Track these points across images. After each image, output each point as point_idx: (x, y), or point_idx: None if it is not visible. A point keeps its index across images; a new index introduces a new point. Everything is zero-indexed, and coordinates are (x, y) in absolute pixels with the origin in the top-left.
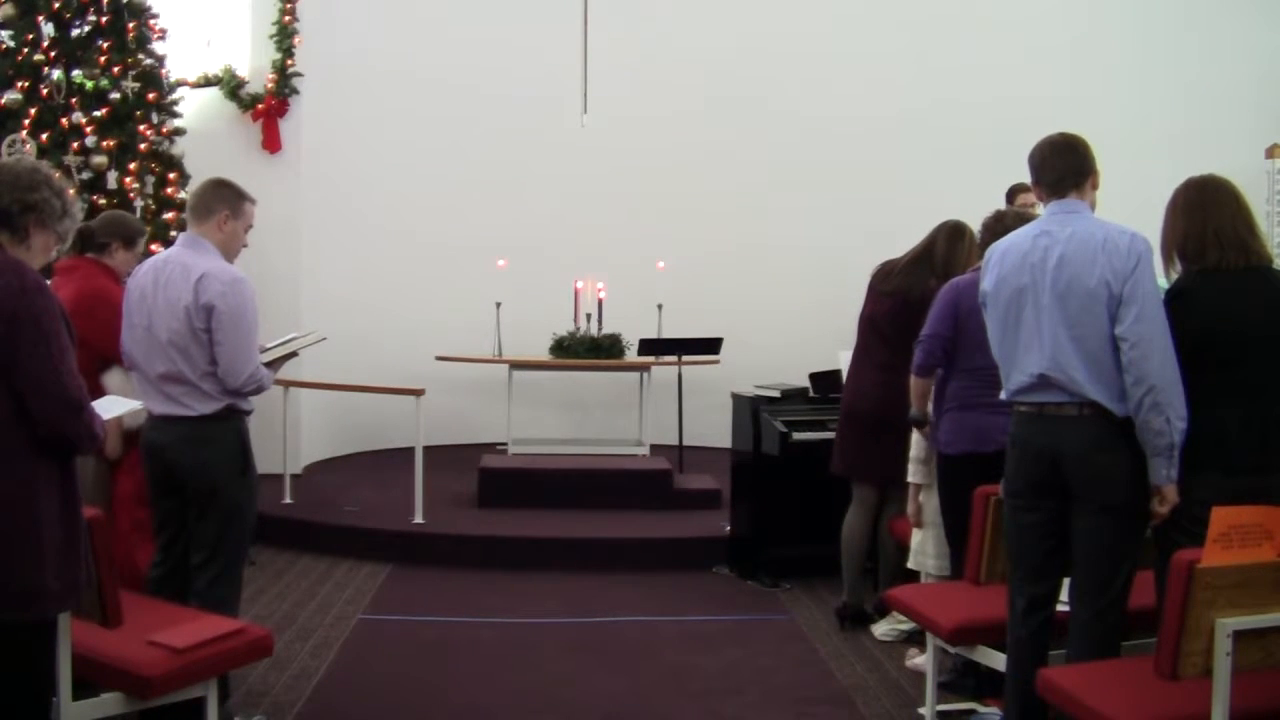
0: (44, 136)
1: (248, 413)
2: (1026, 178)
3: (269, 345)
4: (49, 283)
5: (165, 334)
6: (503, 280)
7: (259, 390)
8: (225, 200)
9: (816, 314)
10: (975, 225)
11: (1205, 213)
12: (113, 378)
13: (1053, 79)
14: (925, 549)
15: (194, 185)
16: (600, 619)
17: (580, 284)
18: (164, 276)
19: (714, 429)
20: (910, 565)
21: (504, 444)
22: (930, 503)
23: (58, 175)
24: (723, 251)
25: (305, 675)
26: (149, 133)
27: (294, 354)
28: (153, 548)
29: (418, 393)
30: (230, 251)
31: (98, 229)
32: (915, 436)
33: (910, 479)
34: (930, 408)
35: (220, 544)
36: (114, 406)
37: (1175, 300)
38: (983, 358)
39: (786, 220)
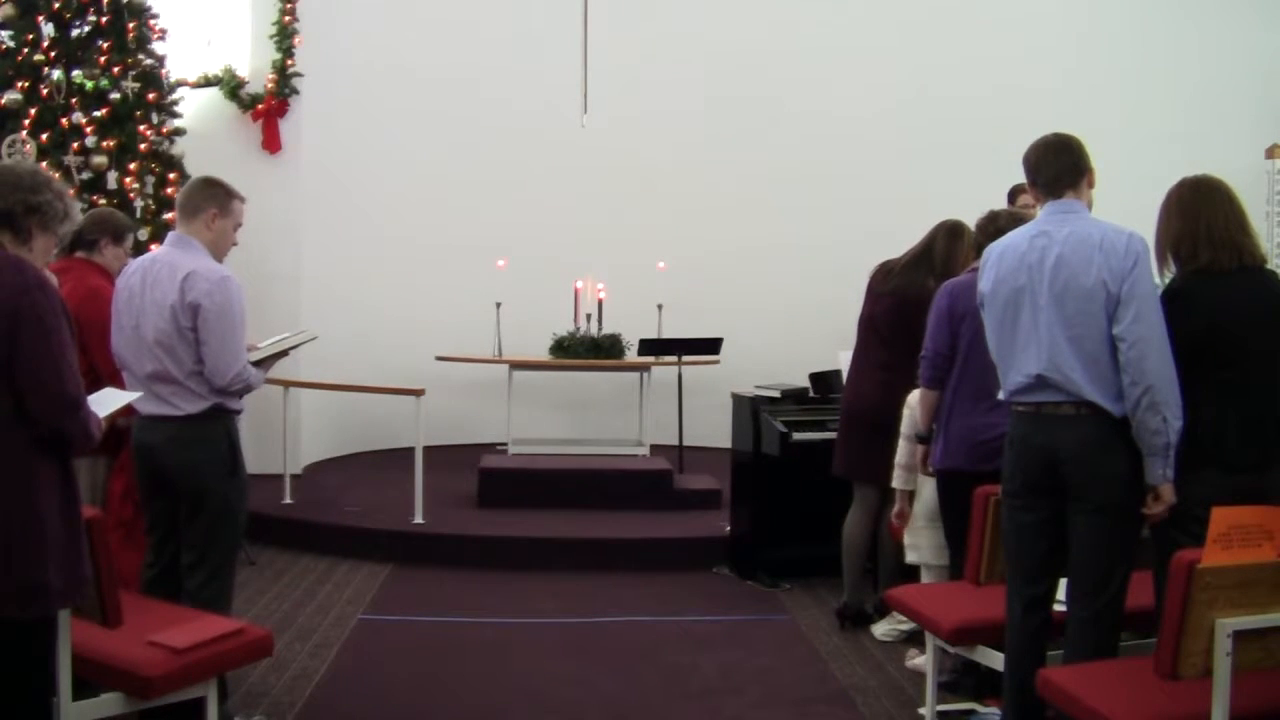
0: (44, 136)
1: (237, 412)
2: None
3: (260, 345)
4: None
5: (152, 333)
6: (503, 280)
7: (247, 390)
8: (214, 198)
9: (816, 314)
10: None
11: (1198, 213)
12: None
13: (1053, 79)
14: (919, 544)
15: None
16: (600, 619)
17: (580, 284)
18: (151, 276)
19: (714, 429)
20: (908, 560)
21: (504, 444)
22: (920, 505)
23: (58, 178)
24: (723, 251)
25: (305, 675)
26: (149, 133)
27: (285, 354)
28: (136, 549)
29: (418, 393)
30: (220, 250)
31: (85, 227)
32: (901, 443)
33: (895, 484)
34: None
35: (211, 545)
36: (110, 401)
37: (1172, 301)
38: (977, 364)
39: (787, 220)
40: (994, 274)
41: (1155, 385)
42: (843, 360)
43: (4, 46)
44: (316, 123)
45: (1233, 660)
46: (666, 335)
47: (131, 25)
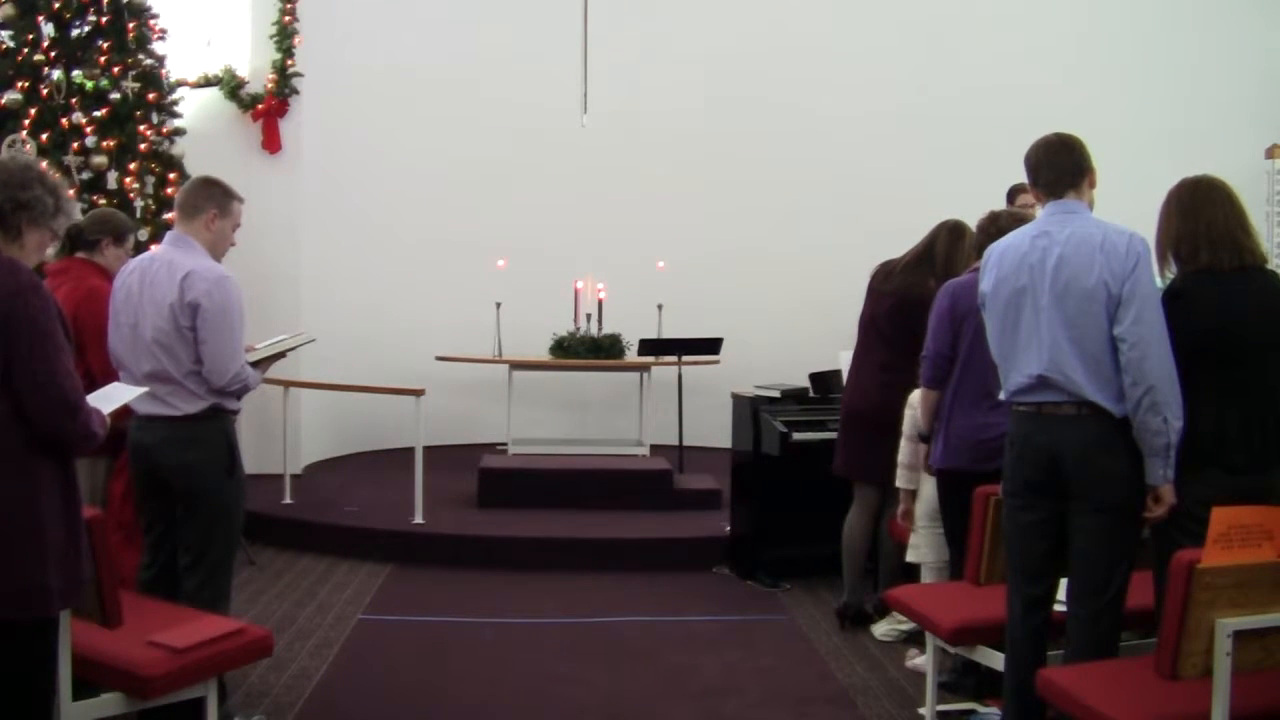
0: (44, 136)
1: (234, 412)
2: (1025, 178)
3: (258, 345)
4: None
5: (151, 332)
6: (503, 280)
7: (245, 390)
8: (213, 199)
9: (816, 314)
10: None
11: (1198, 213)
12: None
13: (1053, 78)
14: (919, 544)
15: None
16: (600, 619)
17: (580, 284)
18: (150, 275)
19: (714, 429)
20: (909, 559)
21: (504, 444)
22: (920, 504)
23: (55, 175)
24: (723, 251)
25: (305, 675)
26: (149, 133)
27: (283, 355)
28: (137, 550)
29: (418, 393)
30: (218, 251)
31: (86, 227)
32: (904, 443)
33: (899, 484)
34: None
35: (208, 545)
36: (115, 397)
37: (1173, 301)
38: (979, 364)
39: (787, 220)
40: (995, 274)
41: (1156, 386)
42: (843, 360)
43: (4, 46)
44: (316, 123)
45: (1233, 660)
46: (666, 335)
47: (131, 25)
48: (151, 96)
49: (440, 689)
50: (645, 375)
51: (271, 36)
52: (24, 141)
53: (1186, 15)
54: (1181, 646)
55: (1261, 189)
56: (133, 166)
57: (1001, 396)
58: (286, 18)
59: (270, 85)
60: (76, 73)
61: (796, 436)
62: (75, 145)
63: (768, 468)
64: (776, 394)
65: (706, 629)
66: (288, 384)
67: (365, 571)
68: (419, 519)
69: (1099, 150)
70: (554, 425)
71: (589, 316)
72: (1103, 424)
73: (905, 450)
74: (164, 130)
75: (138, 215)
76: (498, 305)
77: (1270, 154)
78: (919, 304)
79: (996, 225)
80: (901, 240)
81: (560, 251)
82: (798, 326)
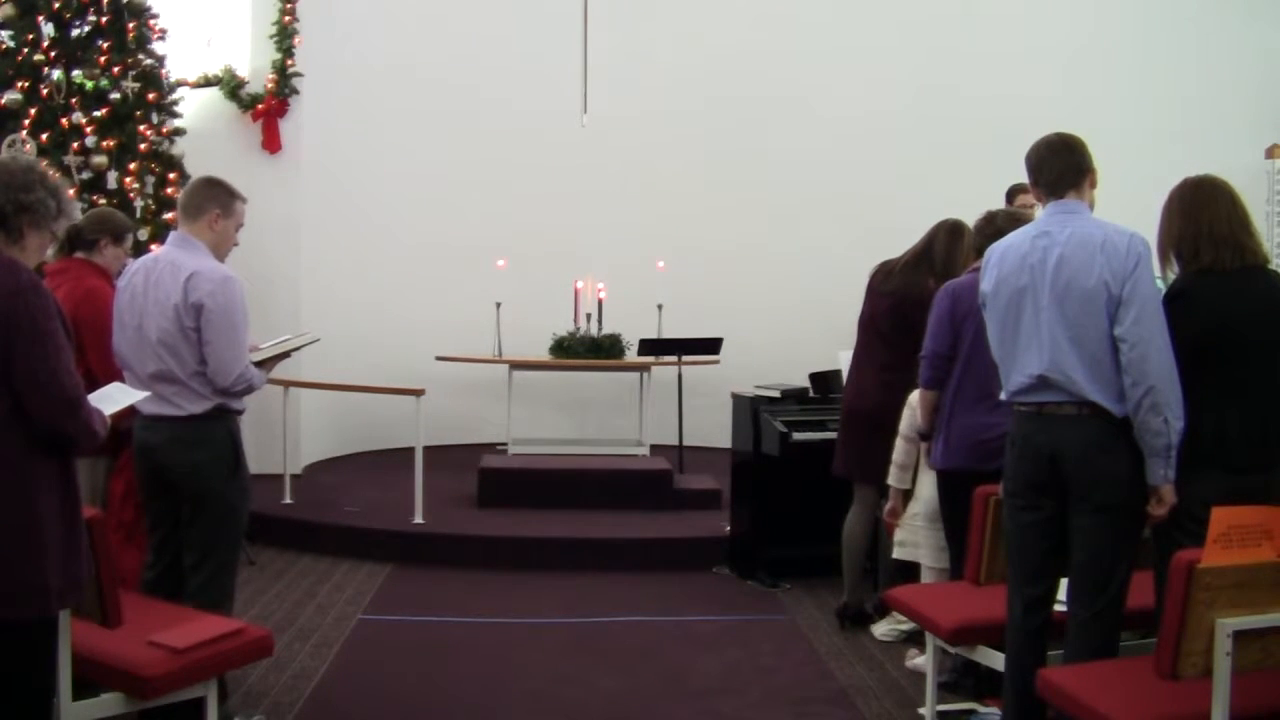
0: (44, 136)
1: (239, 412)
2: (1026, 177)
3: (262, 345)
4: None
5: (155, 333)
6: (503, 280)
7: (249, 390)
8: (216, 199)
9: (816, 314)
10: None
11: (1200, 213)
12: None
13: (1053, 78)
14: (917, 542)
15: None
16: (600, 619)
17: (580, 284)
18: (154, 275)
19: (714, 429)
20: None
21: (504, 444)
22: (920, 505)
23: (55, 175)
24: (723, 251)
25: (305, 675)
26: (149, 133)
27: (287, 355)
28: (137, 550)
29: (418, 393)
30: (221, 251)
31: (85, 227)
32: (899, 442)
33: (890, 482)
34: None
35: (213, 545)
36: (117, 398)
37: (1174, 301)
38: (980, 364)
39: (786, 220)
40: (995, 274)
41: (1157, 386)
42: (843, 360)
43: (4, 46)
44: (316, 123)
45: (1233, 660)
46: (666, 335)
47: (131, 25)
48: (151, 96)
49: (440, 689)
50: (645, 375)
51: (271, 36)
52: (24, 141)
53: (1186, 15)
54: (1181, 646)
55: (1261, 189)
56: (133, 166)
57: (1002, 396)
58: (286, 18)
59: (270, 85)
60: (76, 73)
61: (796, 436)
62: (75, 145)
63: (768, 468)
64: (776, 394)
65: (706, 629)
66: (288, 384)
67: (365, 571)
68: (419, 519)
69: (1099, 151)
70: (554, 425)
71: (589, 316)
72: (1103, 424)
73: (900, 449)
74: (164, 130)
75: (138, 215)
76: (498, 305)
77: (1270, 154)
78: (918, 304)
79: (994, 225)
80: (901, 240)
81: (560, 251)
82: (798, 326)
